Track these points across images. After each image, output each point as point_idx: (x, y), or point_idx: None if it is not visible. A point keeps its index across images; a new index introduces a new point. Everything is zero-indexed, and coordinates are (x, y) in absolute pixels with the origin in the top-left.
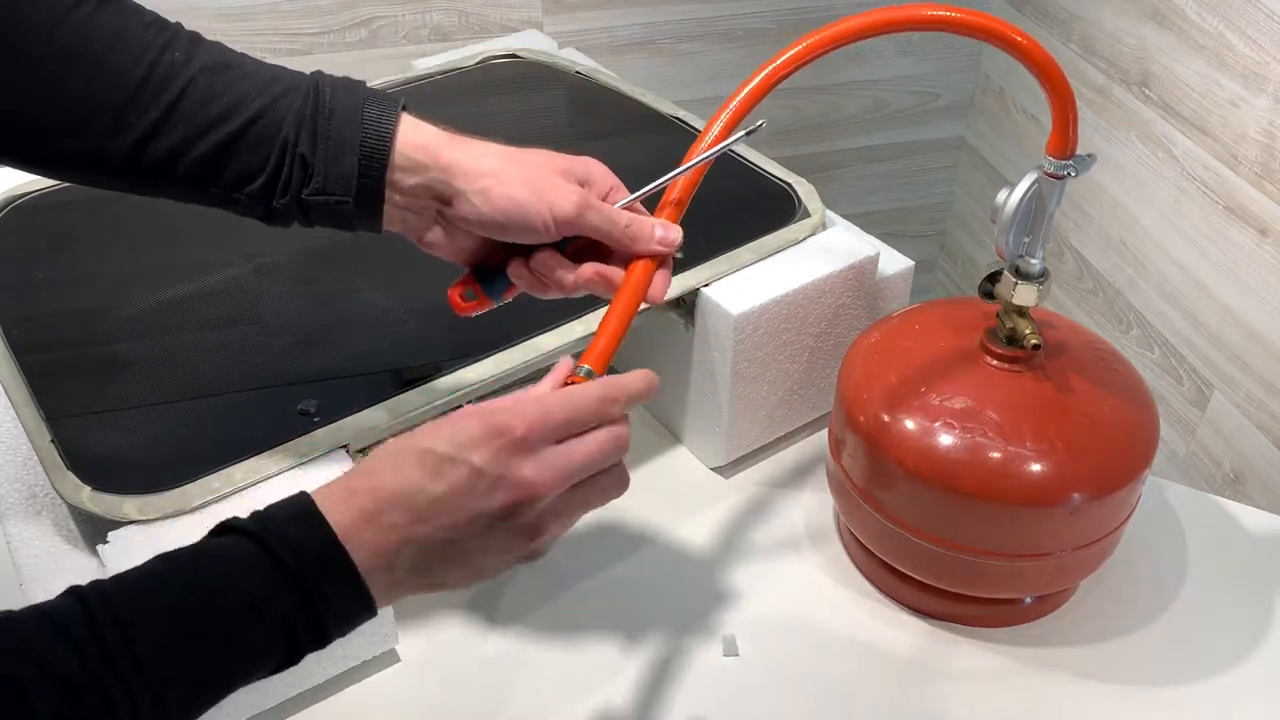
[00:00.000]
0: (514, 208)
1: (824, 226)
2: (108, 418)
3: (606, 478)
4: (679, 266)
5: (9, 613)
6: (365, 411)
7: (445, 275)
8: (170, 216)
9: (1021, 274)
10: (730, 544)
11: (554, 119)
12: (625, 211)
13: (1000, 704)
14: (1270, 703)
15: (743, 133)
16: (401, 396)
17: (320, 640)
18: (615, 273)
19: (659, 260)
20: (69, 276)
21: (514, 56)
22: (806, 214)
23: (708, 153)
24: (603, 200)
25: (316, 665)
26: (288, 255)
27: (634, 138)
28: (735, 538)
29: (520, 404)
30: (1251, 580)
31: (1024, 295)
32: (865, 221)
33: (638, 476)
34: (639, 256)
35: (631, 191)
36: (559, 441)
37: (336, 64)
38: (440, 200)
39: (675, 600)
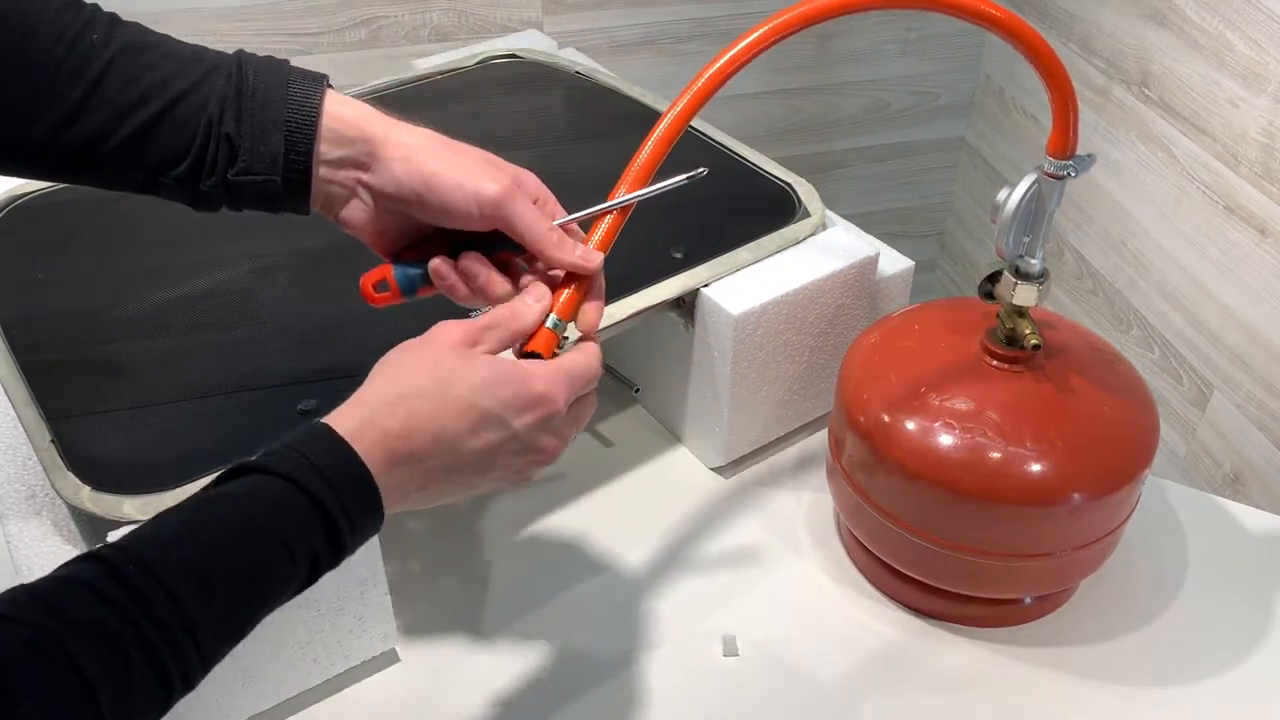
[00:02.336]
0: (436, 180)
1: (824, 226)
2: (108, 418)
3: (584, 406)
4: (679, 266)
5: (27, 584)
6: None
7: None
8: (170, 217)
9: (1021, 274)
10: (730, 544)
11: (554, 119)
12: (550, 227)
13: (1000, 704)
14: (1270, 703)
15: (684, 177)
16: None
17: (336, 563)
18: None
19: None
20: (69, 276)
21: (514, 56)
22: (806, 214)
23: (647, 190)
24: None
25: (316, 665)
26: (288, 255)
27: (634, 138)
28: (735, 538)
29: (556, 374)
30: (1251, 580)
31: (1024, 295)
32: (865, 221)
33: (638, 476)
34: (557, 267)
35: (568, 211)
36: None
37: (337, 64)
38: (360, 168)
39: (675, 600)
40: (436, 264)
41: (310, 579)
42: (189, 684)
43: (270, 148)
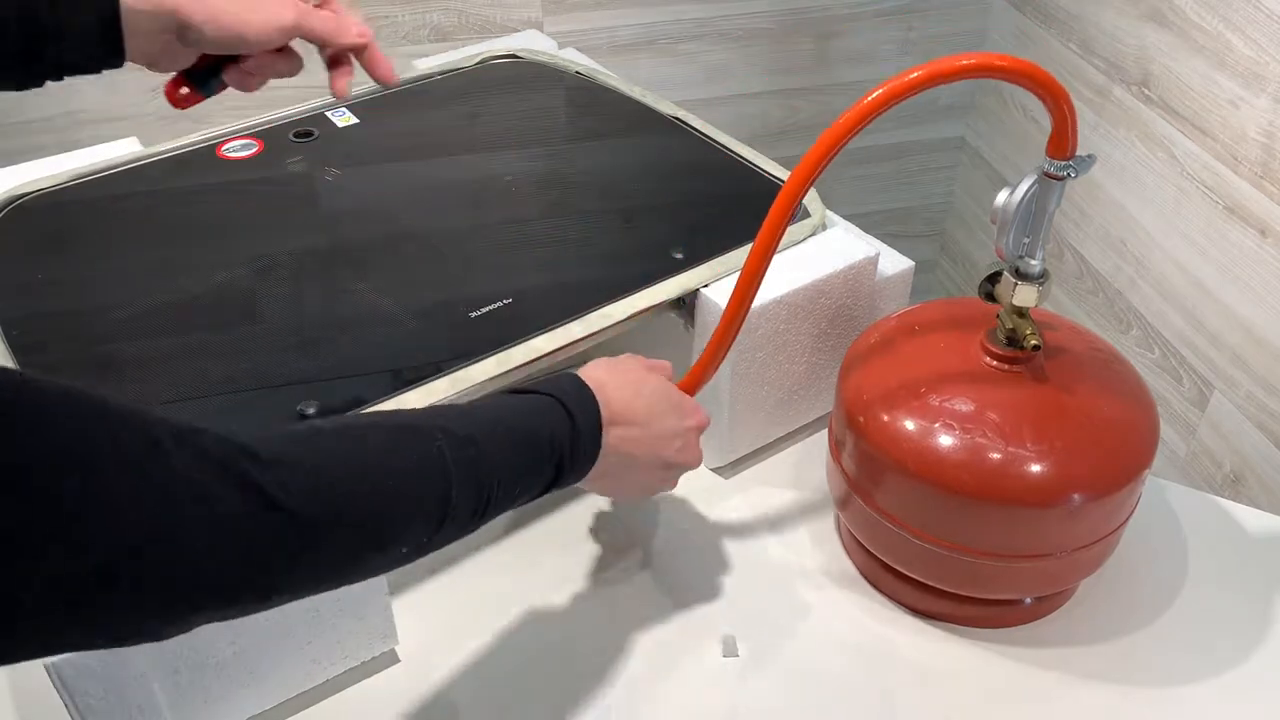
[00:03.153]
0: (245, 28)
1: (824, 227)
2: None
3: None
4: (679, 267)
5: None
6: (367, 410)
7: (446, 278)
8: (171, 217)
9: (1021, 275)
10: (730, 544)
11: (554, 119)
12: (330, 14)
13: (1000, 704)
14: (1270, 703)
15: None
16: (401, 396)
17: (563, 481)
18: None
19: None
20: (69, 276)
21: (514, 56)
22: (806, 214)
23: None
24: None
25: (316, 665)
26: (288, 255)
27: (634, 138)
28: (735, 538)
29: (697, 405)
30: (1251, 580)
31: (1024, 296)
32: (865, 222)
33: None
34: (345, 48)
35: None
36: None
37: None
38: (175, 34)
39: (675, 600)
40: (230, 71)
41: (555, 475)
42: (482, 518)
43: (85, 34)
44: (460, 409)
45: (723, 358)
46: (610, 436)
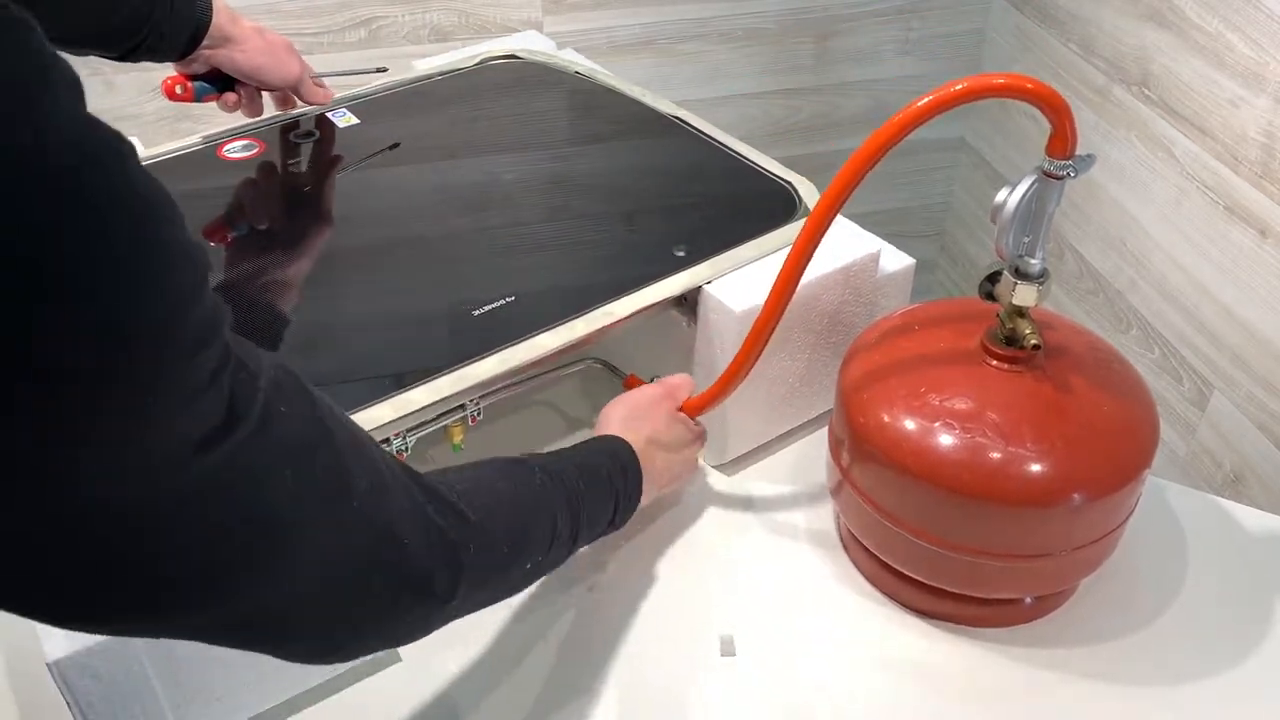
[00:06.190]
0: (267, 69)
1: None
2: None
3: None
4: (681, 264)
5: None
6: (370, 409)
7: (448, 277)
8: None
9: (1021, 274)
10: (730, 544)
11: (553, 120)
12: (315, 90)
13: (1000, 704)
14: (1270, 703)
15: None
16: (405, 395)
17: (617, 522)
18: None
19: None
20: None
21: (513, 57)
22: (807, 211)
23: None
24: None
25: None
26: (289, 257)
27: (634, 138)
28: (735, 537)
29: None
30: (1251, 580)
31: (1024, 295)
32: (865, 222)
33: None
34: (313, 102)
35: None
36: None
37: (336, 64)
38: (211, 49)
39: (673, 599)
40: (229, 95)
41: (614, 518)
42: (574, 543)
43: (181, 40)
44: (541, 455)
45: (742, 379)
46: (646, 481)
